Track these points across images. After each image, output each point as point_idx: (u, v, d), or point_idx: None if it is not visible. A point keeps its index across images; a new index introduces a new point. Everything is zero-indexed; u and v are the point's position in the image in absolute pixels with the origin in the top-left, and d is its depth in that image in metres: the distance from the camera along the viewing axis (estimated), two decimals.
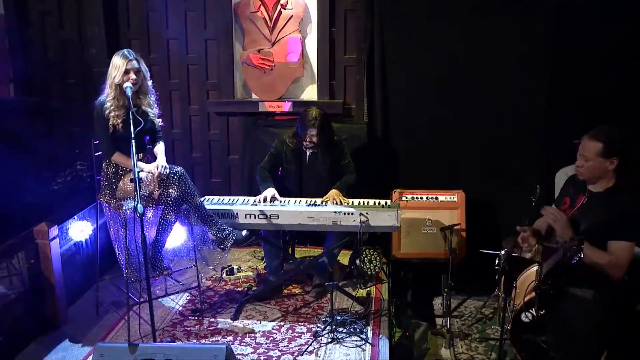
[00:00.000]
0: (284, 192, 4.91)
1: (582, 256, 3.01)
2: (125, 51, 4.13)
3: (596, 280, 3.23)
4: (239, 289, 5.09)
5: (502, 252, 4.62)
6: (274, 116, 5.80)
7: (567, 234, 3.15)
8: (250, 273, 5.37)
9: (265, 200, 4.65)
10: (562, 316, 3.42)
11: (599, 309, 3.30)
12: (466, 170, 5.35)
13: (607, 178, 3.20)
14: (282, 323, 4.54)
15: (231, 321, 4.53)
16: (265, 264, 5.20)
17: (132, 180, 3.71)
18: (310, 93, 5.78)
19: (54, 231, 4.35)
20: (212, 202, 4.68)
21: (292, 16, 5.64)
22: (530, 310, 4.20)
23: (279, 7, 5.62)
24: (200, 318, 4.56)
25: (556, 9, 4.98)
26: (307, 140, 4.77)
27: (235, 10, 5.72)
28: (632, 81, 4.93)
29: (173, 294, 4.87)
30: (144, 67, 4.18)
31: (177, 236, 4.51)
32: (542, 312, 3.75)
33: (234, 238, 4.27)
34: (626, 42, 4.90)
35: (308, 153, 4.93)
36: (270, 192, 4.70)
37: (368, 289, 5.01)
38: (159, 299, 4.74)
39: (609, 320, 3.34)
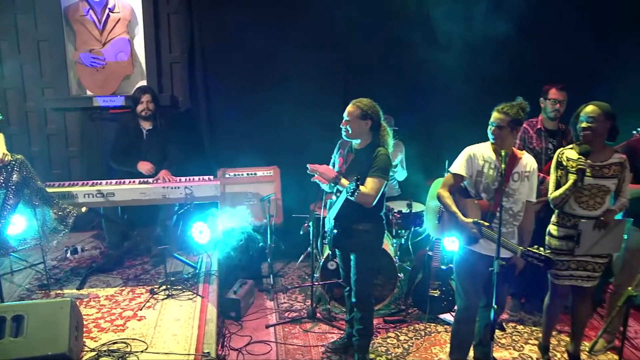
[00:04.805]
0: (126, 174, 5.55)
1: (357, 193, 3.92)
2: None
3: (371, 215, 4.17)
4: (84, 266, 5.62)
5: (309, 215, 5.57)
6: (108, 110, 6.34)
7: (331, 175, 4.09)
8: (94, 252, 5.90)
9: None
10: (349, 250, 4.33)
11: (375, 238, 4.28)
12: (280, 148, 6.21)
13: (365, 137, 4.13)
14: (123, 288, 5.17)
15: (77, 291, 5.08)
16: (107, 240, 5.76)
17: None
18: None
19: None
20: (54, 186, 5.18)
21: (120, 19, 6.23)
22: (334, 259, 5.16)
23: (107, 10, 6.19)
24: (47, 291, 5.04)
25: None
26: (144, 106, 5.54)
27: (65, 14, 6.19)
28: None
29: (18, 270, 5.32)
30: None
31: (21, 218, 4.95)
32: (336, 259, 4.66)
33: (74, 215, 4.81)
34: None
35: (145, 132, 5.62)
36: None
37: (200, 255, 5.75)
38: (4, 277, 5.15)
39: (380, 246, 4.38)
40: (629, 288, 3.52)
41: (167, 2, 6.27)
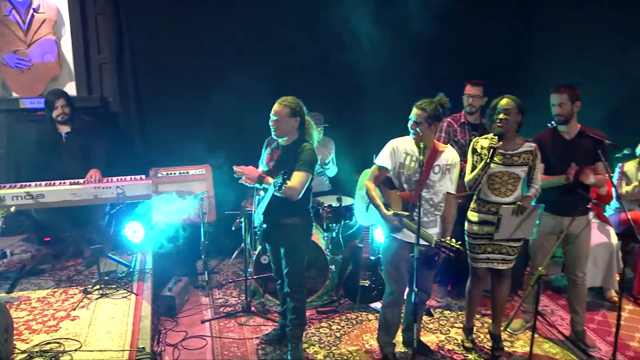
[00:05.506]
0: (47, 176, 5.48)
1: (284, 188, 4.05)
2: None
3: (299, 209, 4.32)
4: (13, 270, 5.54)
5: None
6: (36, 112, 6.24)
7: (255, 175, 4.23)
8: (24, 255, 5.82)
9: None
10: (279, 244, 4.46)
11: (303, 231, 4.43)
12: (212, 146, 6.19)
13: (293, 133, 4.29)
14: (56, 289, 5.15)
15: (6, 294, 5.02)
16: (38, 244, 5.71)
17: None
18: (69, 89, 6.28)
19: None
20: None
21: (45, 19, 6.17)
22: (266, 254, 5.27)
23: (31, 11, 6.11)
24: None
25: None
26: (59, 111, 5.50)
27: None
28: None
29: None
30: None
31: None
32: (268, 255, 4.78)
33: (3, 216, 4.75)
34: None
35: (64, 135, 5.60)
36: None
37: (135, 254, 5.77)
38: None
39: (309, 239, 4.54)
40: (540, 268, 3.80)
41: (94, 2, 6.25)
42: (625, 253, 5.58)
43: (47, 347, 4.12)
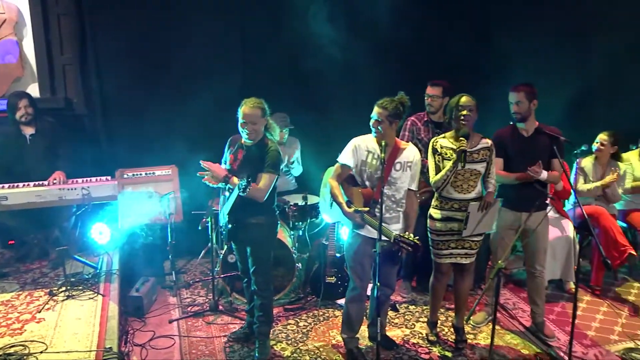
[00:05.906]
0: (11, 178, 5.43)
1: (249, 190, 4.09)
2: None
3: (264, 209, 4.38)
4: None
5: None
6: None
7: (221, 174, 4.27)
8: None
9: None
10: (245, 243, 4.51)
11: (268, 229, 4.49)
12: (179, 146, 6.16)
13: (260, 134, 4.34)
14: (20, 292, 5.11)
15: None
16: (1, 247, 5.66)
17: None
18: (32, 91, 6.19)
19: None
20: None
21: (5, 20, 6.08)
22: (233, 252, 5.30)
23: None
24: None
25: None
26: (22, 112, 5.48)
27: None
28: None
29: None
30: None
31: None
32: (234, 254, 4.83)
33: None
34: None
35: (28, 136, 5.57)
36: None
37: (101, 255, 5.75)
38: None
39: (275, 237, 4.61)
40: (499, 262, 3.91)
41: (56, 2, 6.18)
42: (582, 246, 5.75)
43: (12, 350, 4.10)
